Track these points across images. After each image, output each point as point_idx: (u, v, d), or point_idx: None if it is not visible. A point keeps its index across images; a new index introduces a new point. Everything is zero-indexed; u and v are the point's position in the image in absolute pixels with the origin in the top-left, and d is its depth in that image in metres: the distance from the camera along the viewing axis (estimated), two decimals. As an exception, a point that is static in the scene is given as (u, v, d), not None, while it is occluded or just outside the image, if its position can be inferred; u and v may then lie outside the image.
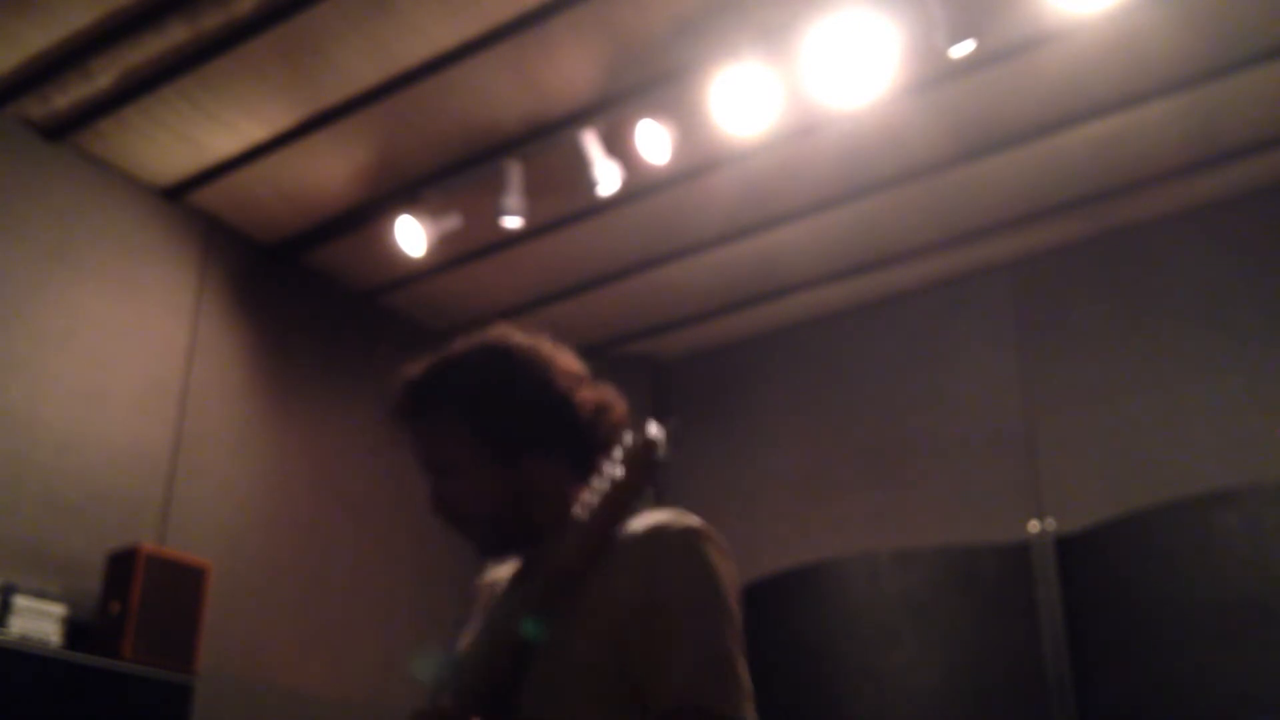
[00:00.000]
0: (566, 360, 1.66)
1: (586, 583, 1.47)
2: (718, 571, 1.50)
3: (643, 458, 1.40)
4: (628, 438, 1.42)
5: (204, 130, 4.29)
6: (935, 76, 3.99)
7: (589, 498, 1.40)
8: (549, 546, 1.52)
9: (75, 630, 3.81)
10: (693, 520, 1.55)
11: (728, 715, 1.42)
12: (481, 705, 1.39)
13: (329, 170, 4.52)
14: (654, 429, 1.40)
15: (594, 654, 1.46)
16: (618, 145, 4.13)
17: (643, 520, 1.56)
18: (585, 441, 1.63)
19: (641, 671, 1.44)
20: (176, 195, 4.64)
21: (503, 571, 1.76)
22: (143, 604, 3.83)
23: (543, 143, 4.27)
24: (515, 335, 1.66)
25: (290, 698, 4.53)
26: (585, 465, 1.63)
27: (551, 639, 1.45)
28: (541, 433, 1.60)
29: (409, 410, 1.65)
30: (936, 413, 4.99)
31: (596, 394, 1.65)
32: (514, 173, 4.29)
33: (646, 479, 1.40)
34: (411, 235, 4.53)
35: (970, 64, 3.86)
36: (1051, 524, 3.61)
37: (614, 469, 1.40)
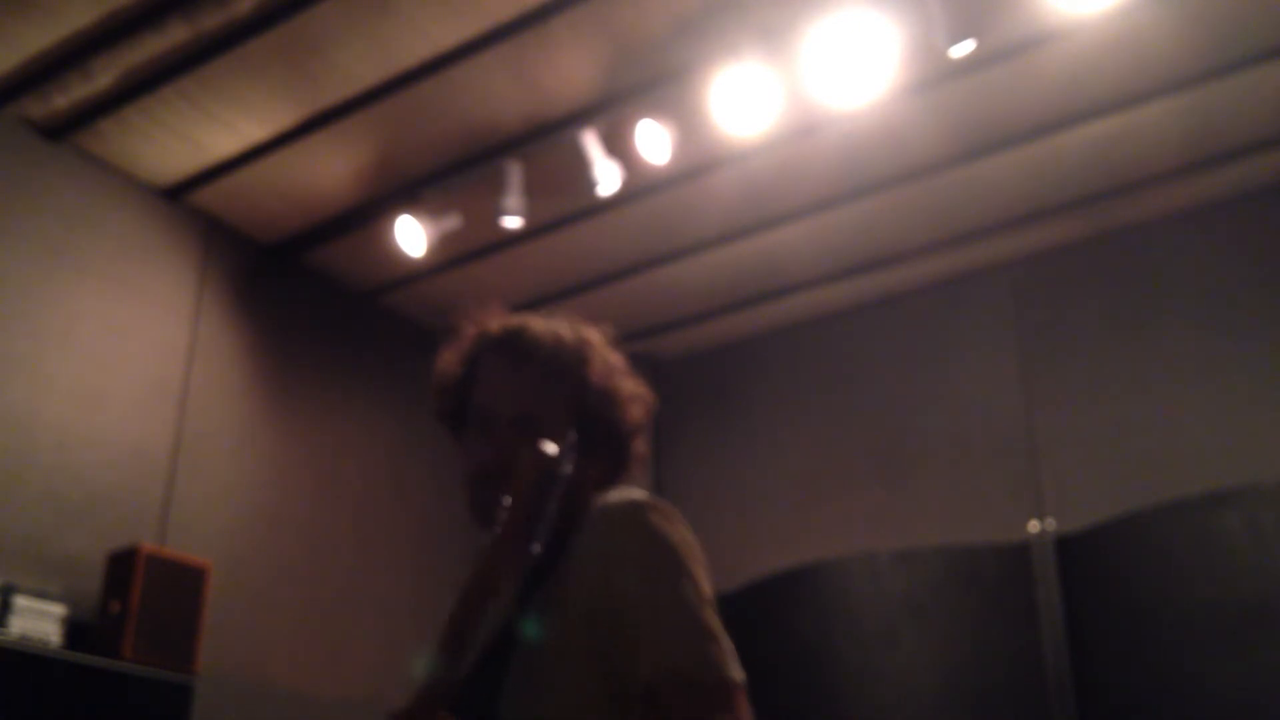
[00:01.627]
0: (643, 392, 1.70)
1: (551, 575, 1.49)
2: (668, 537, 1.48)
3: (534, 473, 1.41)
4: (524, 453, 1.43)
5: (204, 130, 4.29)
6: (935, 76, 3.99)
7: (500, 514, 1.42)
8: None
9: (75, 630, 3.81)
10: (635, 493, 1.55)
11: (709, 677, 1.39)
12: (447, 698, 1.39)
13: (329, 170, 4.52)
14: (549, 446, 1.42)
15: (565, 644, 1.45)
16: (618, 145, 4.13)
17: (600, 502, 1.57)
18: (631, 463, 1.68)
19: (616, 653, 1.42)
20: (176, 195, 4.64)
21: None
22: (143, 604, 3.83)
23: (543, 143, 4.27)
24: (610, 346, 1.70)
25: (290, 698, 4.53)
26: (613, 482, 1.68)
27: (522, 636, 1.47)
28: (620, 443, 1.64)
29: (534, 354, 1.61)
30: (937, 413, 4.99)
31: (645, 436, 1.70)
32: (514, 173, 4.29)
33: (540, 493, 1.40)
34: (411, 235, 4.53)
35: (970, 64, 3.86)
36: (1051, 524, 3.61)
37: (512, 485, 1.42)
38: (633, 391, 1.67)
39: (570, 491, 1.60)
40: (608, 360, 1.67)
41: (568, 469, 1.44)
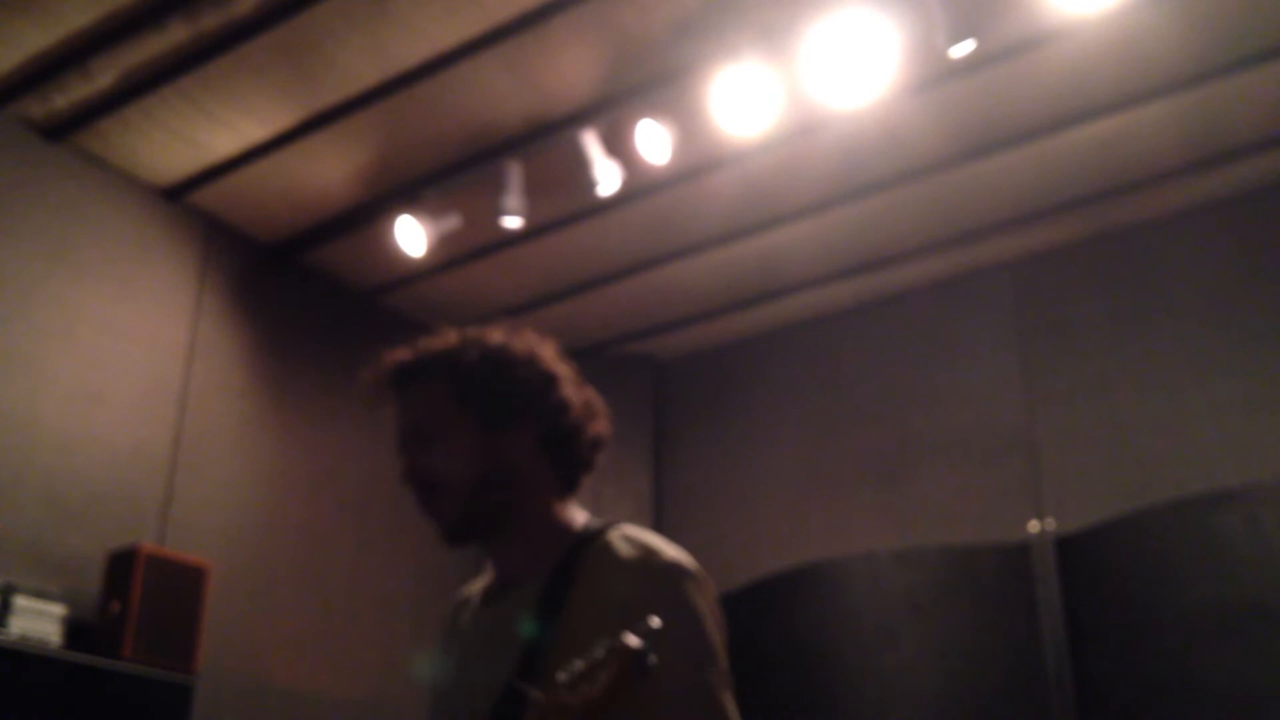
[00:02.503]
0: (552, 353, 1.68)
1: (564, 608, 1.47)
2: (699, 609, 1.48)
3: (628, 670, 1.25)
4: (613, 642, 1.27)
5: (204, 130, 4.29)
6: (935, 76, 3.99)
7: (566, 678, 1.27)
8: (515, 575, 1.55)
9: (75, 630, 3.81)
10: (676, 554, 1.53)
11: None
12: None
13: (329, 170, 4.52)
14: (633, 640, 1.25)
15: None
16: (618, 145, 4.12)
17: (624, 543, 1.54)
18: (565, 431, 1.64)
19: (624, 712, 1.41)
20: (176, 195, 4.64)
21: (475, 587, 1.73)
22: (143, 604, 3.83)
23: (543, 143, 4.27)
24: (504, 328, 1.70)
25: (290, 698, 4.53)
26: (564, 463, 1.64)
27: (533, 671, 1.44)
28: (524, 406, 1.62)
29: (398, 374, 1.67)
30: (937, 412, 4.99)
31: (582, 394, 1.68)
32: (514, 173, 4.29)
33: (626, 689, 1.25)
34: (411, 235, 4.53)
35: (970, 64, 3.86)
36: (1051, 524, 3.61)
37: (599, 656, 1.26)
38: (524, 352, 1.65)
39: (518, 470, 1.60)
40: (489, 340, 1.66)
41: (653, 659, 1.25)
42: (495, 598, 1.64)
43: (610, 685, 1.26)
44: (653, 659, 1.26)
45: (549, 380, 1.64)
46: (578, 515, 1.64)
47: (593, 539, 1.57)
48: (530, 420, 1.62)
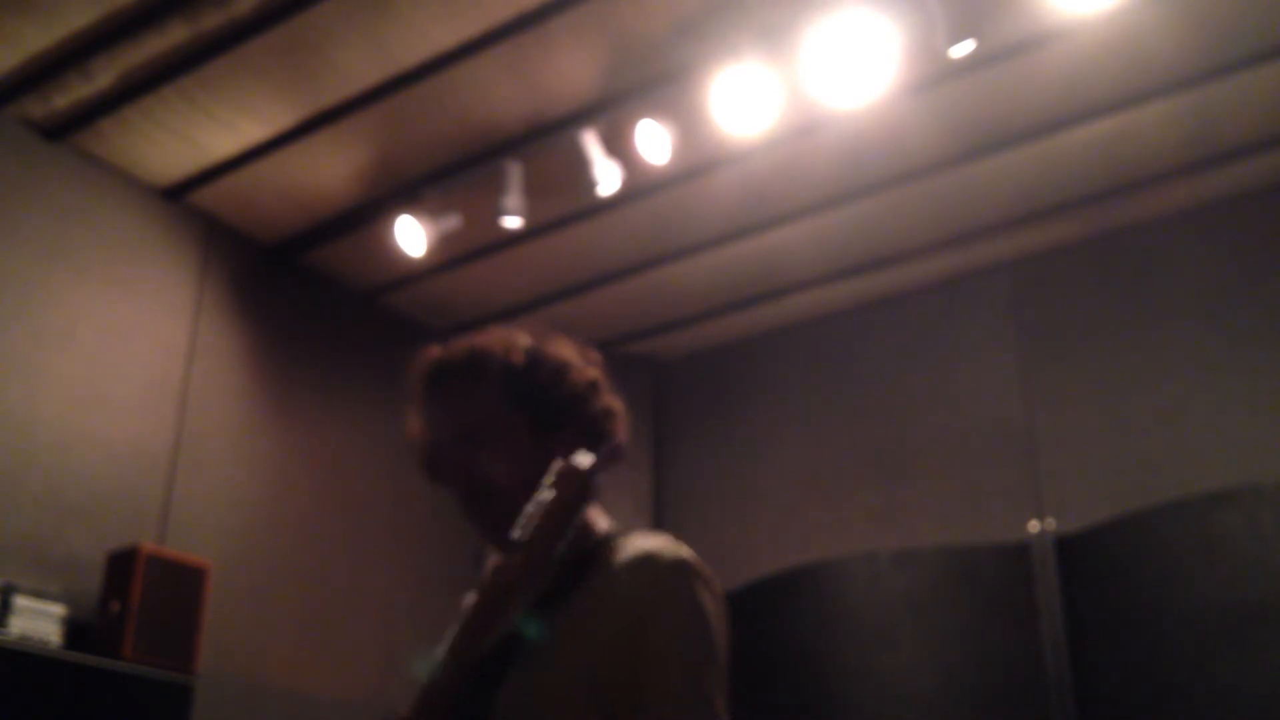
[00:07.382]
0: (585, 358, 1.69)
1: (568, 604, 1.47)
2: (705, 611, 1.48)
3: (573, 482, 1.38)
4: (558, 463, 1.40)
5: (204, 130, 4.29)
6: (935, 76, 3.99)
7: (526, 519, 1.38)
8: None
9: (75, 630, 3.81)
10: (684, 552, 1.52)
11: None
12: (446, 705, 1.38)
13: (329, 170, 4.52)
14: (584, 457, 1.39)
15: (569, 678, 1.44)
16: (618, 145, 4.13)
17: (634, 544, 1.54)
18: (603, 437, 1.65)
19: (618, 705, 1.42)
20: (176, 195, 4.64)
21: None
22: (143, 604, 3.83)
23: (543, 143, 4.27)
24: (529, 330, 1.70)
25: (290, 698, 4.53)
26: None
27: (526, 657, 1.45)
28: (572, 410, 1.62)
29: (443, 371, 1.64)
30: (937, 412, 4.99)
31: (615, 400, 1.69)
32: (514, 173, 4.29)
33: (577, 502, 1.37)
34: (411, 235, 4.53)
35: (970, 64, 3.86)
36: (1051, 524, 3.61)
37: (547, 492, 1.38)
38: (568, 357, 1.65)
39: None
40: (530, 343, 1.65)
41: (600, 476, 1.40)
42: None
43: (561, 494, 1.35)
44: (596, 477, 1.37)
45: (593, 386, 1.65)
46: (601, 520, 1.64)
47: (607, 543, 1.58)
48: (573, 425, 1.62)
